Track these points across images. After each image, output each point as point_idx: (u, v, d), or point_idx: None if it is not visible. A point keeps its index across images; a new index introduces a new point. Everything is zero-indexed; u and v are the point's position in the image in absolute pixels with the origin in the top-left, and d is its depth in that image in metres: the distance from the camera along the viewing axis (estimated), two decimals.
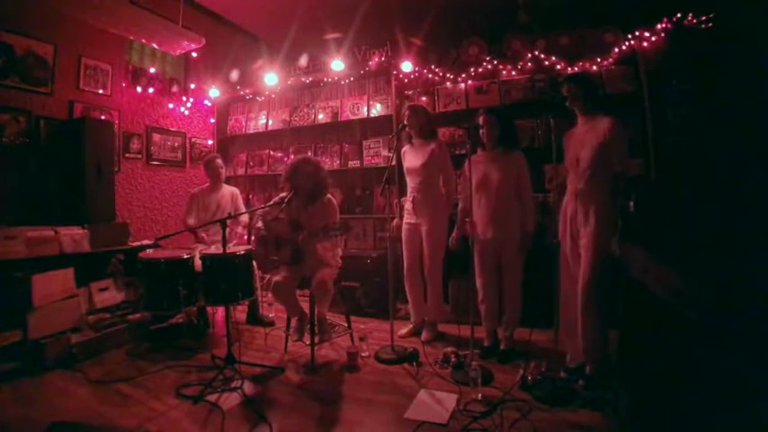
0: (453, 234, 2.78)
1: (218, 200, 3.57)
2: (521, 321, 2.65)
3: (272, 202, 2.85)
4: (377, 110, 4.13)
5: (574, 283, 2.24)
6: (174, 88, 4.56)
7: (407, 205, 2.99)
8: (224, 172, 3.67)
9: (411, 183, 2.96)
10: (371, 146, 4.17)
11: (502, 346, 2.63)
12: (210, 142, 4.99)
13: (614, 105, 2.87)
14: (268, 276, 2.81)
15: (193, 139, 4.78)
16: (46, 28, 3.34)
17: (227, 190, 3.67)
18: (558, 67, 3.49)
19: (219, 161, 3.64)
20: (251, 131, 4.84)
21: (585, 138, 2.20)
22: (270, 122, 4.71)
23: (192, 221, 3.44)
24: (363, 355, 2.69)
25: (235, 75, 4.78)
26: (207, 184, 3.65)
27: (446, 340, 2.91)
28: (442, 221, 2.90)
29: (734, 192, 2.24)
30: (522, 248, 2.55)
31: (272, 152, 4.73)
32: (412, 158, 2.94)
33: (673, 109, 3.11)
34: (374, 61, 4.00)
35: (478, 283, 2.65)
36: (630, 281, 1.93)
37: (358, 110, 4.23)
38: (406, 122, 2.89)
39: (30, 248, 2.76)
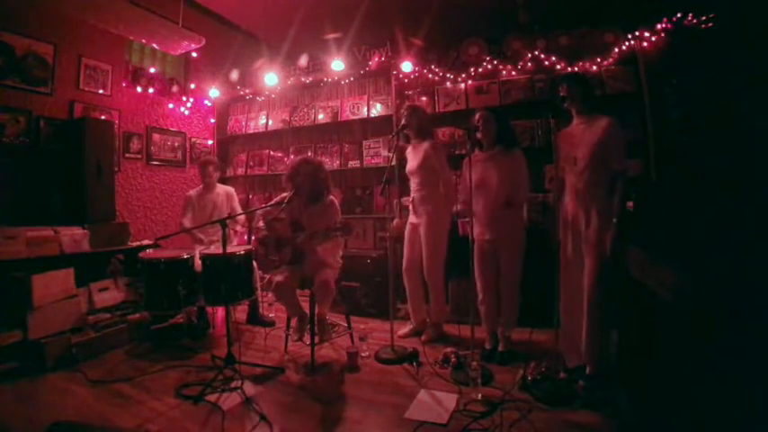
0: None
1: (213, 200, 3.56)
2: (521, 321, 2.64)
3: (272, 202, 2.86)
4: (377, 110, 4.13)
5: (574, 282, 2.24)
6: (174, 88, 4.56)
7: (410, 205, 3.00)
8: (215, 179, 3.59)
9: (412, 183, 2.99)
10: (371, 146, 4.17)
11: (500, 348, 2.63)
12: (210, 142, 4.99)
13: (614, 105, 2.89)
14: (268, 276, 2.81)
15: (193, 139, 4.78)
16: (46, 28, 3.34)
17: (222, 189, 3.66)
18: (558, 67, 3.49)
19: (212, 168, 3.55)
20: (251, 131, 4.84)
21: (583, 137, 2.19)
22: (270, 122, 4.71)
23: (187, 223, 3.42)
24: (363, 355, 2.69)
25: (235, 75, 4.77)
26: (201, 186, 3.63)
27: (446, 340, 2.90)
28: (440, 221, 2.87)
29: (733, 192, 2.24)
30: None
31: (272, 152, 4.73)
32: (411, 159, 2.97)
33: (673, 109, 3.12)
34: (374, 61, 4.00)
35: (478, 284, 2.64)
36: (630, 281, 1.93)
37: (358, 110, 4.23)
38: (405, 122, 2.89)
39: (30, 248, 2.76)
